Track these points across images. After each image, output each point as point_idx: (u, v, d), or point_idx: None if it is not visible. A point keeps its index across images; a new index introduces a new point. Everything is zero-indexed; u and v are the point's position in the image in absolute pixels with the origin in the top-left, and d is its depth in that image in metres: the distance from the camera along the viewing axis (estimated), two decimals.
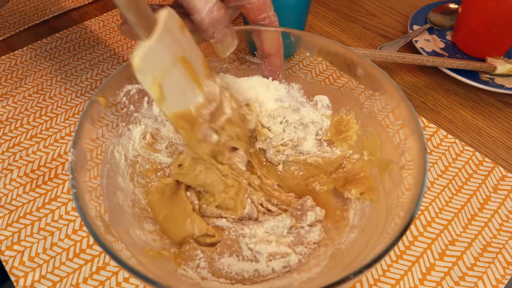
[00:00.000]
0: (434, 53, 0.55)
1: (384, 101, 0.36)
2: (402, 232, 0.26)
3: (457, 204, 0.40)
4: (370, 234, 0.31)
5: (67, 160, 0.44)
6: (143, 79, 0.27)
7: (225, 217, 0.36)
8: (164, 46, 0.28)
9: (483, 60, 0.54)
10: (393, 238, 0.26)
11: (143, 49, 0.26)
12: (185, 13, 0.35)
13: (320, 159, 0.41)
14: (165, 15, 0.28)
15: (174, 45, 0.29)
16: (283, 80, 0.42)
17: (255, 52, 0.41)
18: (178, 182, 0.37)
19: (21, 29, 0.61)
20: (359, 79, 0.38)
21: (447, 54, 0.56)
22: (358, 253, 0.30)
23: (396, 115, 0.35)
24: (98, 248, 0.37)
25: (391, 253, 0.37)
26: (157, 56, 0.27)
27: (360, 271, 0.25)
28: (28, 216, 0.40)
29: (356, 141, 0.39)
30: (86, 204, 0.28)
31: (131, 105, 0.38)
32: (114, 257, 0.25)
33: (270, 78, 0.42)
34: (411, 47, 0.57)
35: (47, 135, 0.47)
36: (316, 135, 0.42)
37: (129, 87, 0.37)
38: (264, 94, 0.42)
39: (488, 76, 0.52)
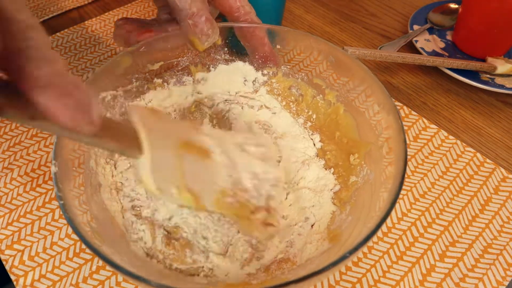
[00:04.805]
0: (434, 53, 0.55)
1: (357, 85, 0.38)
2: (388, 212, 0.27)
3: (458, 205, 0.40)
4: (358, 216, 0.33)
5: None
6: (169, 197, 0.25)
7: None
8: (160, 146, 0.25)
9: (483, 60, 0.54)
10: (381, 216, 0.27)
11: (146, 169, 0.23)
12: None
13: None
14: (136, 114, 0.25)
15: (164, 136, 0.26)
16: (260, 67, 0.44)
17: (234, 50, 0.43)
18: None
19: None
20: (333, 66, 0.40)
21: (447, 54, 0.56)
22: (348, 236, 0.31)
23: (369, 96, 0.37)
24: None
25: (391, 253, 0.37)
26: (163, 163, 0.25)
27: (344, 257, 0.25)
28: (28, 215, 0.40)
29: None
30: (75, 214, 0.27)
31: (107, 112, 0.37)
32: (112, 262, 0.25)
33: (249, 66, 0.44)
34: (411, 47, 0.57)
35: (47, 134, 0.47)
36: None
37: (103, 94, 0.37)
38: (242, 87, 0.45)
39: (488, 76, 0.52)
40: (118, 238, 0.33)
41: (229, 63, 0.44)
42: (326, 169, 0.40)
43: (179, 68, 0.42)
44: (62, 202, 0.27)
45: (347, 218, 0.34)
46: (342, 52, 0.38)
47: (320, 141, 0.42)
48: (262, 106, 0.45)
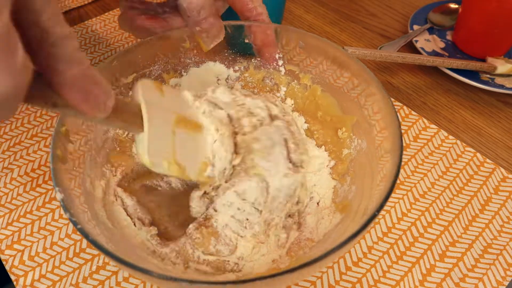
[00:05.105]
0: (434, 53, 0.55)
1: (330, 64, 0.39)
2: (397, 172, 0.28)
3: (458, 205, 0.40)
4: (361, 184, 0.34)
5: None
6: (160, 169, 0.27)
7: None
8: (158, 124, 0.27)
9: (483, 60, 0.54)
10: (392, 176, 0.28)
11: (144, 144, 0.26)
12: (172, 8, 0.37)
13: None
14: (141, 93, 0.27)
15: (163, 114, 0.29)
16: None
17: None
18: None
19: None
20: (304, 50, 0.41)
21: (447, 54, 0.56)
22: (358, 203, 0.32)
23: (345, 72, 0.38)
24: None
25: (391, 253, 0.37)
26: (158, 139, 0.27)
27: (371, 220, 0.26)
28: (28, 215, 0.40)
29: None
30: (95, 236, 0.27)
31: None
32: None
33: (219, 65, 0.44)
34: (411, 47, 0.57)
35: (47, 134, 0.47)
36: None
37: None
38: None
39: (488, 76, 0.52)
40: (135, 248, 0.33)
41: (200, 65, 0.44)
42: (317, 147, 0.41)
43: (152, 78, 0.42)
44: (79, 226, 0.26)
45: (351, 188, 0.35)
46: (310, 35, 0.39)
47: (305, 122, 0.43)
48: None
